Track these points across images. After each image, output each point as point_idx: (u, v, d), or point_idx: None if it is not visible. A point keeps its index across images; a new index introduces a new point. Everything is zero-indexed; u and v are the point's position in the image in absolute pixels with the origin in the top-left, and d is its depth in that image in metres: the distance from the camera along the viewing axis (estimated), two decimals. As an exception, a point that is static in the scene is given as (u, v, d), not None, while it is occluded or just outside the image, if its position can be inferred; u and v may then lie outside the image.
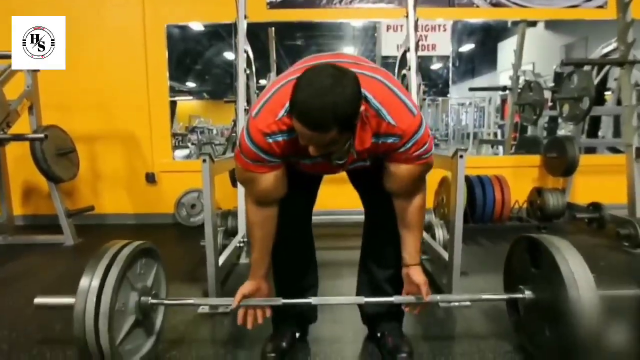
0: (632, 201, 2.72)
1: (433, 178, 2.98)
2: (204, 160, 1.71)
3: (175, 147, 4.11)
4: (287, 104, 1.00)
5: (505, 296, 1.40)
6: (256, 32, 3.60)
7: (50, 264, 2.57)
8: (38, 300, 1.28)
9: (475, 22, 3.76)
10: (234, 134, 3.48)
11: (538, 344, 1.31)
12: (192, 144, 5.32)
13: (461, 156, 1.69)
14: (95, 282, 1.13)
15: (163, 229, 3.44)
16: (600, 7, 3.50)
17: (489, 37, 5.06)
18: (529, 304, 1.31)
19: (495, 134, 5.77)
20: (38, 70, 2.92)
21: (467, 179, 3.05)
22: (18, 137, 2.70)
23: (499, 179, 3.16)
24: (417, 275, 1.22)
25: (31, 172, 2.94)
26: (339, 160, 1.11)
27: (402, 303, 1.30)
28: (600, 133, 4.35)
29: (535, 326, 1.31)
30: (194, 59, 4.22)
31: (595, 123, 4.23)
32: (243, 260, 2.47)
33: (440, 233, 2.30)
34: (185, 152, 4.90)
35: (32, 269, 2.48)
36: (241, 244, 2.36)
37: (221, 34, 3.92)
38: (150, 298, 1.29)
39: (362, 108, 1.00)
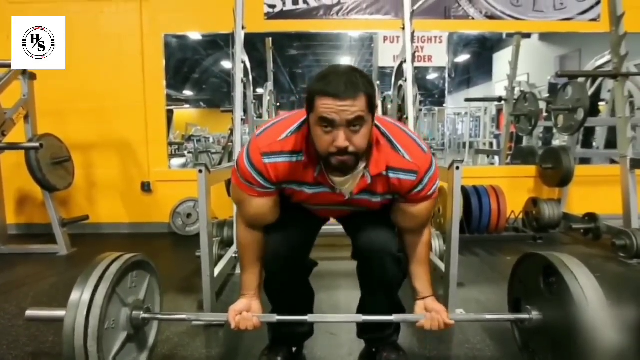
0: (627, 212, 2.73)
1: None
2: (200, 171, 1.70)
3: (171, 156, 4.11)
4: (294, 126, 1.03)
5: (511, 316, 1.35)
6: (254, 42, 3.63)
7: (43, 274, 2.54)
8: (30, 312, 1.26)
9: (471, 34, 3.80)
10: (230, 144, 3.48)
11: None
12: (189, 152, 5.31)
13: (457, 168, 1.69)
14: (85, 299, 1.10)
15: (158, 239, 3.41)
16: (594, 20, 3.55)
17: (484, 48, 5.12)
18: (536, 325, 1.26)
19: (491, 144, 5.81)
20: (35, 79, 2.91)
21: (464, 189, 3.06)
22: (13, 146, 2.68)
23: (495, 190, 3.17)
24: (435, 304, 1.22)
25: (26, 181, 2.92)
26: (348, 168, 1.01)
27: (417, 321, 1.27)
28: (594, 143, 4.39)
29: (543, 349, 1.26)
30: (191, 67, 4.24)
31: (589, 133, 4.27)
32: (239, 270, 2.45)
33: (437, 244, 2.30)
34: (182, 160, 4.90)
35: (25, 279, 2.45)
36: (237, 255, 2.34)
37: (219, 43, 3.94)
38: (142, 312, 1.27)
39: (375, 135, 1.03)
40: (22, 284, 2.36)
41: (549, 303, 1.22)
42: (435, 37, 3.69)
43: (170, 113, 3.91)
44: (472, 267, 2.61)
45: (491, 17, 3.56)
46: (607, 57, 3.16)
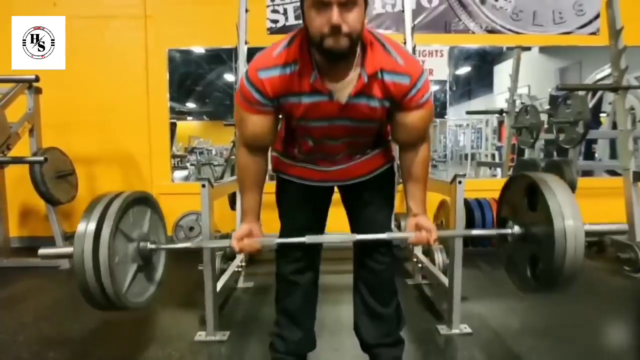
0: (632, 225, 2.72)
1: (432, 201, 2.98)
2: (203, 186, 1.71)
3: (174, 168, 4.12)
4: (285, 42, 1.10)
5: (495, 231, 1.43)
6: (256, 57, 3.66)
7: (45, 287, 2.53)
8: (42, 251, 1.32)
9: (472, 48, 3.84)
10: (232, 157, 3.49)
11: (523, 277, 1.35)
12: (192, 164, 5.34)
13: (460, 182, 1.70)
14: (89, 238, 1.16)
15: (160, 251, 3.41)
16: (593, 33, 3.58)
17: (485, 61, 5.17)
18: (517, 239, 1.33)
19: (493, 156, 5.82)
20: (40, 93, 2.95)
21: (466, 202, 3.05)
22: (18, 160, 2.70)
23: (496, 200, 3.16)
24: (425, 222, 1.25)
25: (29, 194, 2.94)
26: (342, 46, 1.00)
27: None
28: (596, 155, 4.39)
29: (523, 261, 1.34)
30: (194, 81, 4.29)
31: (591, 145, 4.28)
32: (241, 284, 2.44)
33: (440, 258, 2.29)
34: (184, 173, 4.91)
35: (27, 293, 2.44)
36: (239, 269, 2.34)
37: (222, 56, 3.99)
38: (149, 244, 1.35)
39: (369, 37, 1.08)
40: (24, 298, 2.35)
41: (530, 219, 1.30)
42: (436, 51, 3.72)
43: (173, 126, 3.93)
44: (475, 280, 2.59)
45: (491, 31, 3.59)
46: (607, 70, 3.19)
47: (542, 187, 1.21)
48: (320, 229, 1.39)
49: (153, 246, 1.35)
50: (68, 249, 1.21)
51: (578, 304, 2.16)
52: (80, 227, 1.18)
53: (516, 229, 1.32)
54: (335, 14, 0.95)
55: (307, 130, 1.20)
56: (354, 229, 1.36)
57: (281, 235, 1.34)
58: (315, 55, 1.07)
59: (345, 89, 1.09)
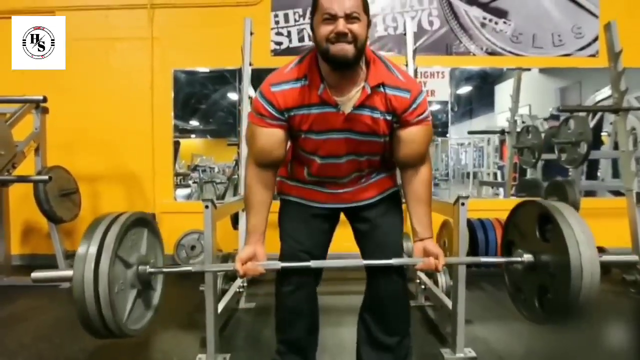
0: (636, 246, 2.69)
1: (435, 221, 2.97)
2: (207, 206, 1.72)
3: (177, 186, 4.14)
4: (296, 60, 1.18)
5: (504, 259, 1.40)
6: (261, 77, 3.72)
7: (45, 307, 2.51)
8: (35, 275, 1.30)
9: (472, 69, 3.90)
10: (235, 177, 3.51)
11: (531, 306, 1.32)
12: (194, 182, 5.35)
13: (462, 204, 1.70)
14: (89, 271, 1.14)
15: (162, 270, 3.39)
16: (592, 55, 3.63)
17: (485, 81, 5.22)
18: (527, 268, 1.30)
19: (495, 174, 5.81)
20: (47, 113, 2.99)
21: (469, 222, 3.03)
22: (22, 179, 2.72)
23: (501, 223, 3.15)
24: (432, 247, 1.26)
25: (32, 211, 2.95)
26: (349, 50, 1.08)
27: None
28: (599, 174, 4.39)
29: (530, 291, 1.31)
30: (199, 100, 4.33)
31: (593, 165, 4.28)
32: (242, 305, 2.42)
33: (443, 279, 2.26)
34: (187, 191, 4.92)
35: (27, 312, 2.43)
36: (241, 289, 2.32)
37: (226, 76, 4.04)
38: (148, 267, 1.32)
39: (371, 55, 1.17)
40: (24, 317, 2.34)
41: (542, 248, 1.28)
42: (438, 72, 3.77)
43: (177, 144, 3.97)
44: (480, 302, 2.56)
45: (492, 53, 3.65)
46: (607, 91, 3.21)
47: (557, 217, 1.19)
48: (322, 253, 1.36)
49: (152, 270, 1.33)
50: (67, 272, 1.18)
51: (584, 328, 2.13)
52: (78, 258, 1.16)
53: (526, 257, 1.29)
54: (341, 23, 1.07)
55: (314, 146, 1.22)
56: (364, 254, 1.34)
57: (281, 257, 1.32)
58: (323, 70, 1.16)
59: (350, 101, 1.16)
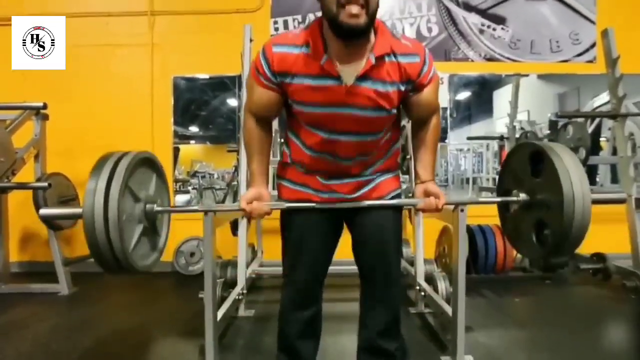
0: (636, 252, 2.70)
1: (434, 227, 2.97)
2: (206, 214, 1.71)
3: (176, 192, 4.13)
4: (303, 26, 1.15)
5: (500, 199, 1.43)
6: (260, 84, 3.73)
7: (44, 314, 2.50)
8: (43, 211, 1.38)
9: (471, 75, 3.91)
10: (234, 183, 3.51)
11: (529, 243, 1.36)
12: (194, 188, 5.34)
13: (462, 210, 1.69)
14: (100, 195, 1.16)
15: (160, 278, 3.37)
16: (590, 62, 3.66)
17: (484, 87, 5.24)
18: (522, 207, 1.34)
19: (495, 180, 5.82)
20: (47, 119, 2.99)
21: (469, 228, 3.04)
22: (22, 186, 2.72)
23: (501, 229, 3.14)
24: (433, 188, 1.27)
25: (31, 218, 2.93)
26: (357, 22, 1.02)
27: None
28: (598, 179, 4.39)
29: (527, 229, 1.35)
30: (198, 106, 4.34)
31: (592, 170, 4.28)
32: (242, 312, 2.41)
33: (443, 286, 2.26)
34: (186, 197, 4.91)
35: (25, 320, 2.41)
36: (240, 297, 2.31)
37: (226, 83, 4.06)
38: (155, 205, 1.34)
39: (378, 23, 1.12)
40: (22, 325, 2.32)
41: (535, 185, 1.32)
42: (437, 79, 3.79)
43: (176, 151, 3.97)
44: (480, 309, 2.55)
45: (490, 59, 3.68)
46: (605, 97, 3.23)
47: (548, 152, 1.23)
48: (326, 261, 1.34)
49: (159, 208, 1.35)
50: (77, 209, 1.21)
51: (585, 334, 2.12)
52: (90, 184, 1.18)
53: (522, 196, 1.33)
54: None
55: (313, 119, 1.17)
56: (361, 260, 1.32)
57: (285, 273, 1.30)
58: (328, 39, 1.10)
59: (353, 71, 1.10)
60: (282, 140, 1.40)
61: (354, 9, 1.00)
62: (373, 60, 1.09)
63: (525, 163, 1.37)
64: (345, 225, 1.37)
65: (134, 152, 1.32)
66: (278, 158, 1.68)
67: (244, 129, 1.31)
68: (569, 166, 1.22)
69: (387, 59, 1.11)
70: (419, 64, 1.15)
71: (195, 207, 1.53)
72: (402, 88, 1.15)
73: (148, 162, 1.39)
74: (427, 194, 1.27)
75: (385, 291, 1.30)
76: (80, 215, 1.18)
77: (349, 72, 1.09)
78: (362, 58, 1.10)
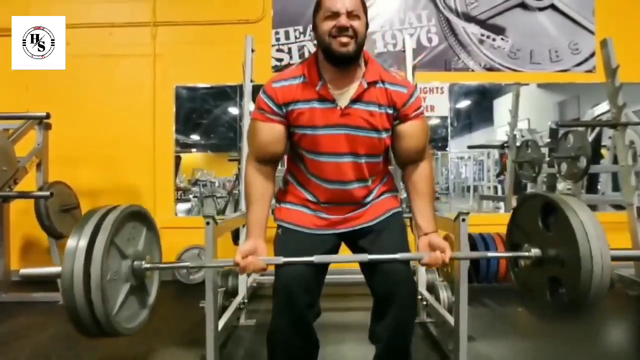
0: (639, 261, 2.69)
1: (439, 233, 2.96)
2: (208, 223, 1.72)
3: (177, 200, 4.14)
4: (299, 61, 1.23)
5: (511, 254, 1.38)
6: (261, 93, 3.76)
7: (43, 324, 2.49)
8: (23, 271, 1.21)
9: (471, 84, 3.94)
10: (236, 191, 3.52)
11: (542, 302, 1.28)
12: (195, 196, 5.34)
13: (463, 220, 1.69)
14: (81, 251, 1.06)
15: (161, 286, 3.33)
16: (589, 71, 3.68)
17: (484, 96, 5.27)
18: (534, 263, 1.28)
19: (495, 188, 5.81)
20: (50, 129, 3.01)
21: (470, 237, 3.02)
22: (24, 195, 2.72)
23: (502, 237, 3.14)
24: (438, 240, 1.24)
25: (32, 226, 2.94)
26: (348, 44, 1.15)
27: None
28: (599, 187, 4.39)
29: (540, 286, 1.28)
30: (200, 115, 4.37)
31: (593, 178, 4.28)
32: (243, 322, 2.40)
33: (445, 295, 2.25)
34: (187, 205, 4.92)
35: (25, 329, 2.40)
36: (241, 306, 2.30)
37: (227, 92, 4.08)
38: (143, 262, 1.26)
39: (369, 56, 1.25)
40: (22, 334, 2.31)
41: (548, 241, 1.25)
42: (437, 88, 3.82)
43: (178, 159, 3.99)
44: (482, 319, 2.53)
45: (490, 69, 3.70)
46: (606, 106, 3.24)
47: (562, 206, 1.16)
48: (318, 288, 1.27)
49: (148, 265, 1.26)
50: (56, 269, 1.10)
51: (588, 344, 2.11)
52: (72, 240, 1.08)
53: (534, 251, 1.27)
54: (343, 18, 1.15)
55: (312, 142, 1.23)
56: (373, 282, 1.27)
57: (275, 287, 1.23)
58: (323, 67, 1.22)
59: (347, 95, 1.21)
60: (285, 175, 1.40)
61: (344, 39, 1.15)
62: (365, 85, 1.21)
63: (536, 215, 1.29)
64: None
65: (123, 206, 1.24)
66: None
67: (245, 178, 1.31)
68: (585, 223, 1.13)
69: (377, 85, 1.23)
70: (405, 94, 1.24)
71: (187, 264, 1.44)
72: (390, 112, 1.24)
73: (137, 216, 1.30)
74: (432, 247, 1.23)
75: (396, 311, 1.24)
76: (59, 274, 1.07)
77: (343, 96, 1.21)
78: (354, 83, 1.22)
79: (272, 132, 1.24)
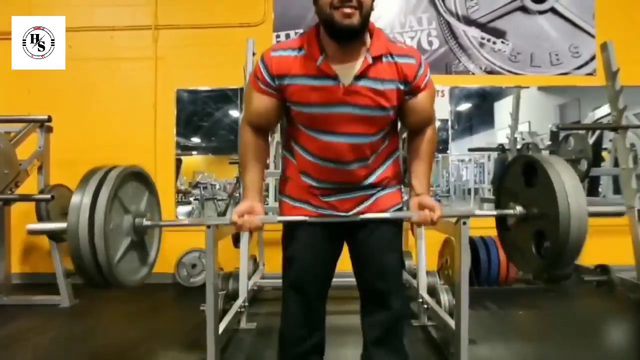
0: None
1: (436, 239, 2.96)
2: (209, 227, 1.71)
3: (178, 203, 4.14)
4: (301, 32, 1.19)
5: (497, 212, 1.43)
6: (262, 96, 3.76)
7: (44, 327, 2.49)
8: (31, 226, 1.27)
9: (472, 87, 3.94)
10: (236, 194, 3.52)
11: (528, 256, 1.35)
12: (195, 199, 5.34)
13: (464, 223, 1.69)
14: (87, 200, 1.12)
15: (162, 290, 3.36)
16: (590, 74, 3.68)
17: (485, 99, 5.27)
18: (520, 220, 1.34)
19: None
20: (51, 132, 3.02)
21: (471, 240, 3.03)
22: (25, 198, 2.73)
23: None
24: (428, 201, 1.24)
25: (34, 230, 2.94)
26: (353, 15, 1.04)
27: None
28: (600, 190, 4.38)
29: (526, 241, 1.35)
30: (201, 118, 4.38)
31: (594, 181, 4.27)
32: (243, 325, 2.40)
33: (446, 298, 2.25)
34: (188, 208, 4.92)
35: (26, 332, 2.40)
36: (242, 309, 2.30)
37: (228, 95, 4.09)
38: (144, 220, 1.30)
39: (374, 27, 1.16)
40: (23, 337, 2.31)
41: (531, 198, 1.32)
42: (438, 91, 3.81)
43: (178, 162, 3.99)
44: (483, 322, 2.53)
45: (490, 72, 3.71)
46: (606, 109, 3.24)
47: (543, 164, 1.24)
48: (327, 278, 1.32)
49: (149, 222, 1.30)
50: (62, 224, 1.16)
51: (590, 348, 2.10)
52: (76, 194, 1.14)
53: (518, 209, 1.33)
54: None
55: (311, 120, 1.17)
56: (361, 277, 1.31)
57: (284, 284, 1.28)
58: (324, 41, 1.13)
59: (351, 71, 1.12)
60: (283, 152, 1.37)
61: (348, 9, 1.03)
62: (370, 60, 1.11)
63: (520, 176, 1.37)
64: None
65: (125, 165, 1.30)
66: (279, 170, 1.65)
67: (240, 140, 1.30)
68: (563, 176, 1.23)
69: (384, 59, 1.14)
70: (415, 65, 1.16)
71: (186, 222, 1.48)
72: (401, 87, 1.16)
73: (140, 177, 1.36)
74: (421, 206, 1.23)
75: (384, 308, 1.28)
76: (65, 230, 1.14)
77: (346, 72, 1.12)
78: (358, 58, 1.12)
79: (263, 104, 1.20)
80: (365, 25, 1.09)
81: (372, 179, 1.24)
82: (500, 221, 1.52)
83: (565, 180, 1.22)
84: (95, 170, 1.23)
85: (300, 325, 1.29)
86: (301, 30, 3.64)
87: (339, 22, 1.04)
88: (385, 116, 1.18)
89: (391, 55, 1.14)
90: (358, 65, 1.11)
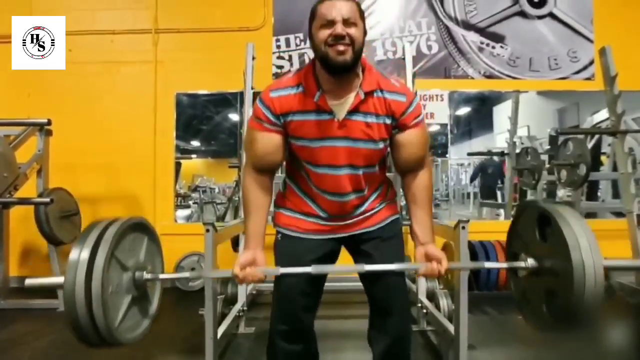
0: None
1: (436, 244, 2.96)
2: (208, 230, 1.72)
3: (177, 207, 4.14)
4: (296, 69, 1.23)
5: (507, 264, 1.36)
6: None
7: (42, 331, 2.48)
8: (29, 282, 1.22)
9: (471, 92, 3.95)
10: (236, 198, 3.52)
11: (539, 313, 1.27)
12: (194, 202, 5.34)
13: (463, 227, 1.69)
14: (83, 263, 1.07)
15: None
16: (588, 79, 3.70)
17: (484, 103, 5.29)
18: (531, 273, 1.27)
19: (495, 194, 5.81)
20: (51, 135, 3.02)
21: (470, 245, 3.02)
22: (24, 201, 2.72)
23: (502, 245, 3.13)
24: (434, 251, 1.24)
25: (31, 232, 2.94)
26: (345, 53, 1.11)
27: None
28: (599, 194, 4.38)
29: (537, 297, 1.27)
30: (201, 122, 4.39)
31: (593, 185, 4.28)
32: (242, 330, 2.39)
33: (445, 303, 2.24)
34: (187, 212, 4.91)
35: (24, 336, 2.39)
36: (241, 314, 2.30)
37: (228, 99, 4.10)
38: (145, 273, 1.26)
39: (367, 63, 1.21)
40: (21, 341, 2.30)
41: (544, 251, 1.25)
42: (437, 95, 3.83)
43: (178, 166, 3.99)
44: (482, 327, 2.52)
45: (489, 76, 3.72)
46: (605, 113, 3.25)
47: (555, 217, 1.17)
48: (317, 293, 1.29)
49: (149, 276, 1.26)
50: (59, 279, 1.11)
51: (589, 353, 2.10)
52: (73, 253, 1.09)
53: (530, 262, 1.27)
54: (339, 26, 1.11)
55: (311, 154, 1.21)
56: (369, 291, 1.31)
57: (275, 295, 1.27)
58: (320, 77, 1.19)
59: (345, 107, 1.18)
60: (285, 178, 1.38)
61: (341, 47, 1.11)
62: (362, 95, 1.17)
63: (533, 225, 1.29)
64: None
65: (123, 218, 1.25)
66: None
67: (243, 187, 1.30)
68: (577, 232, 1.13)
69: (375, 94, 1.19)
70: (404, 103, 1.21)
71: (186, 274, 1.44)
72: (388, 122, 1.21)
73: (138, 227, 1.32)
74: (428, 257, 1.23)
75: (395, 321, 1.28)
76: (61, 285, 1.09)
77: (340, 107, 1.18)
78: (352, 93, 1.19)
79: (271, 142, 1.22)
80: (357, 59, 1.16)
81: (366, 206, 1.30)
82: (512, 270, 1.43)
83: (581, 239, 1.13)
84: (91, 228, 1.18)
85: (288, 340, 1.27)
86: (300, 35, 3.66)
87: (333, 58, 1.12)
88: (376, 149, 1.23)
89: (381, 90, 1.20)
90: (351, 100, 1.18)
